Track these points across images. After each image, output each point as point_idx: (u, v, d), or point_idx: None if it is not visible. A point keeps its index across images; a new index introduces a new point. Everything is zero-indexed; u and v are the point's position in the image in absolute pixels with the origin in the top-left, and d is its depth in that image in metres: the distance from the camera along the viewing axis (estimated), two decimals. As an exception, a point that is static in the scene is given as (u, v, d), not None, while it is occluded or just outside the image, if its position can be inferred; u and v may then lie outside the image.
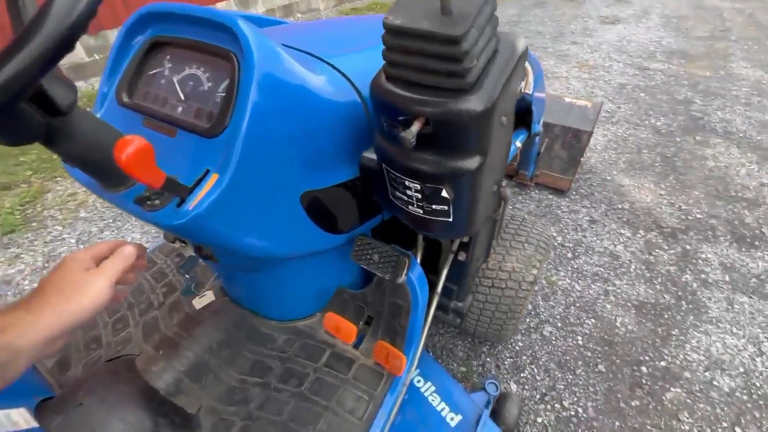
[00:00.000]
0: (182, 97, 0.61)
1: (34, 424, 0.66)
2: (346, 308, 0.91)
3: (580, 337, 1.45)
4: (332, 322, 0.80)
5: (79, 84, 3.24)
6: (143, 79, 0.65)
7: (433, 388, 1.01)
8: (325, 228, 0.71)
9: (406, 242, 0.87)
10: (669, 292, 1.61)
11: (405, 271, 0.74)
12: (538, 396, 1.29)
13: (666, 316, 1.52)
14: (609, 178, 2.24)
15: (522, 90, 0.91)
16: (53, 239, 1.89)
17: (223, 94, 0.57)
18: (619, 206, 2.04)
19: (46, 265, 1.75)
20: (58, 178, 2.25)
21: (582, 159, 1.94)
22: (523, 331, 1.48)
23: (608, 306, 1.56)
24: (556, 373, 1.35)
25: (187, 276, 0.76)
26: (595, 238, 1.86)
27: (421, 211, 0.61)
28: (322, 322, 0.89)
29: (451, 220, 0.60)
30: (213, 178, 0.53)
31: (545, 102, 1.40)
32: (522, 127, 1.24)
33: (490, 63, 0.48)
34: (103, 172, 0.53)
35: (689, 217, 1.95)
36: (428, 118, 0.47)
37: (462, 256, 0.88)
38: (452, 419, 0.98)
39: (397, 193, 0.61)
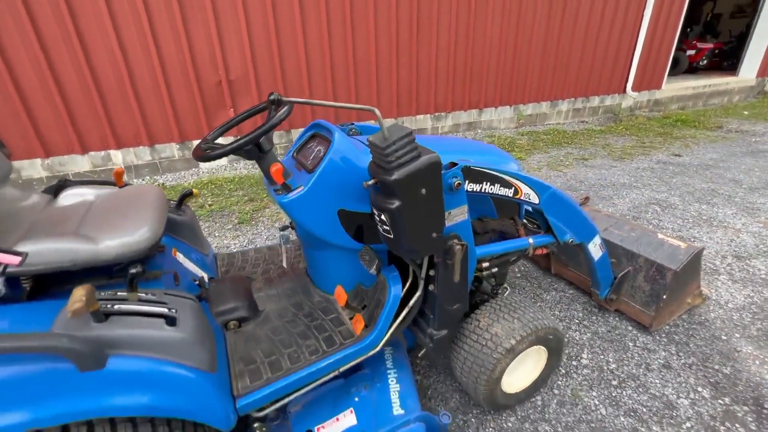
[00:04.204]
0: (310, 157, 1.37)
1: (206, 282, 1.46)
2: (357, 296, 1.43)
3: (574, 450, 1.44)
4: (338, 290, 1.34)
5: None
6: (303, 149, 1.46)
7: (395, 377, 1.37)
8: (351, 235, 1.31)
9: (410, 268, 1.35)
10: (724, 470, 1.37)
11: (374, 267, 1.24)
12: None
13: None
14: (724, 338, 1.96)
15: (509, 196, 1.34)
16: (256, 233, 3.08)
17: (321, 156, 1.30)
18: (716, 367, 1.79)
19: (247, 244, 2.90)
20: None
21: (665, 297, 1.87)
22: (521, 416, 1.57)
23: (628, 442, 1.46)
24: (529, 463, 1.40)
25: (282, 234, 1.48)
26: (657, 381, 1.71)
27: (381, 229, 1.13)
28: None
29: (392, 237, 1.10)
30: (300, 189, 1.23)
31: (577, 211, 1.58)
32: (548, 233, 1.58)
33: (411, 161, 1.02)
34: (268, 177, 1.31)
35: (819, 415, 1.54)
36: (377, 179, 1.05)
37: (431, 288, 1.30)
38: (396, 410, 1.30)
39: (376, 218, 1.16)
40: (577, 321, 2.08)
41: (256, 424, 1.23)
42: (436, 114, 5.51)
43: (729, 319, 2.08)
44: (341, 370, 1.26)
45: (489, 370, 1.39)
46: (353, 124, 1.70)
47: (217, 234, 3.05)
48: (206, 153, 1.13)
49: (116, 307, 0.91)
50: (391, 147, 1.00)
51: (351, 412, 1.31)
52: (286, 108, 1.16)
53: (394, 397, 1.35)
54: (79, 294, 0.79)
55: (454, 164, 1.19)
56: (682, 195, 3.71)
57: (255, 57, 4.14)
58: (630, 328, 2.03)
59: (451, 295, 1.33)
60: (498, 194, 1.32)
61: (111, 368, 0.83)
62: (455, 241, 1.20)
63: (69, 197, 1.30)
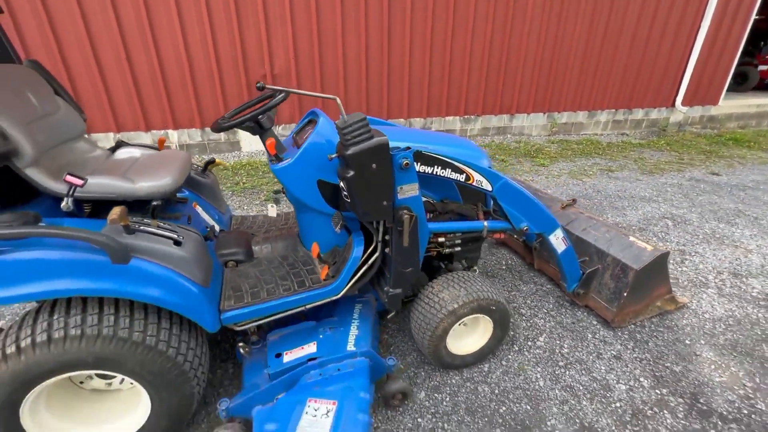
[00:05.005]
0: (305, 137, 1.70)
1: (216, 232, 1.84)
2: (332, 254, 1.74)
3: (503, 409, 1.64)
4: (314, 246, 1.66)
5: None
6: (301, 131, 1.79)
7: (357, 325, 1.67)
8: (327, 201, 1.62)
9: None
10: (637, 445, 1.51)
11: (338, 226, 1.54)
12: (429, 415, 1.63)
13: (609, 452, 1.48)
14: (688, 342, 2.03)
15: (460, 180, 1.58)
16: (278, 209, 3.49)
17: (309, 134, 1.62)
18: (667, 365, 1.88)
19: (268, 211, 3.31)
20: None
21: (625, 294, 1.99)
22: (465, 377, 1.79)
23: (554, 409, 1.64)
24: (463, 415, 1.63)
25: (274, 196, 1.82)
26: (602, 368, 1.85)
27: (343, 195, 1.43)
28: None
29: (350, 201, 1.39)
30: (288, 160, 1.56)
31: (532, 202, 1.76)
32: (504, 219, 1.80)
33: (364, 141, 1.30)
34: (266, 149, 1.65)
35: (751, 415, 1.62)
36: (339, 154, 1.34)
37: (387, 250, 1.57)
38: (350, 347, 1.60)
39: (340, 185, 1.46)
40: (545, 311, 2.24)
41: (241, 344, 1.58)
42: (466, 117, 5.67)
43: (700, 327, 2.13)
44: (307, 307, 1.57)
45: (433, 328, 1.64)
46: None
47: (245, 207, 3.50)
48: (220, 126, 1.50)
49: (141, 227, 1.29)
50: (348, 128, 1.30)
51: (314, 344, 1.62)
52: (280, 96, 1.49)
53: (351, 338, 1.64)
54: (116, 210, 1.17)
55: (409, 148, 1.46)
56: (702, 213, 3.63)
57: (298, 54, 4.59)
58: (595, 322, 2.15)
59: (404, 259, 1.59)
60: (450, 177, 1.56)
61: (133, 265, 1.20)
62: (405, 211, 1.47)
63: (123, 153, 1.73)
